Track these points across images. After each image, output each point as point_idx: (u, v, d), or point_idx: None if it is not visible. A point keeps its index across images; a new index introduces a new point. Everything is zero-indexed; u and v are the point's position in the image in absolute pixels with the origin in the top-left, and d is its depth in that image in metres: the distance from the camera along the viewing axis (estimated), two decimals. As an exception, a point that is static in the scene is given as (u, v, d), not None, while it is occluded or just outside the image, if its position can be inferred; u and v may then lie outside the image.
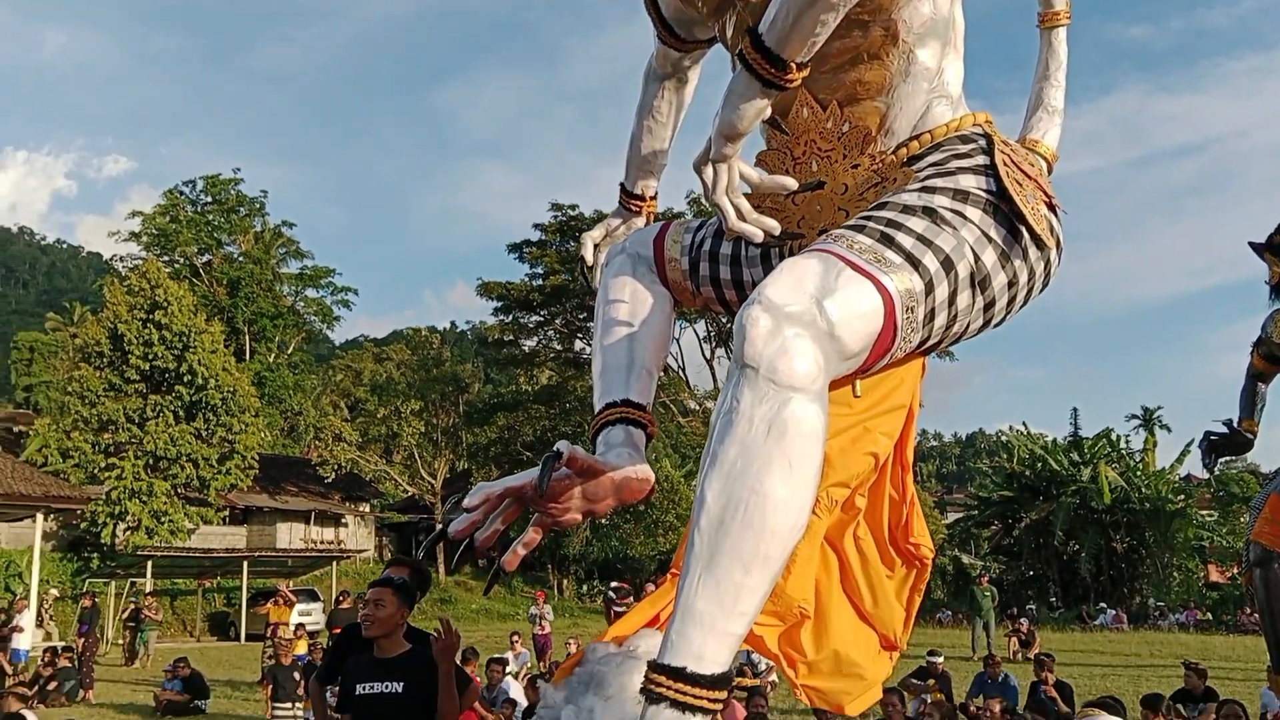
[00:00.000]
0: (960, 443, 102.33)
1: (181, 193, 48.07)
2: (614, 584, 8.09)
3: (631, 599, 7.80)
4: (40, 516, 22.26)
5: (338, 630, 5.42)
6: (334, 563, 32.61)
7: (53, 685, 13.93)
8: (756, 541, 2.14)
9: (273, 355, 48.08)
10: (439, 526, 2.95)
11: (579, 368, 39.48)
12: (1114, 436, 36.52)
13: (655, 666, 2.14)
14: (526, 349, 40.71)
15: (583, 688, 2.51)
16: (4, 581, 25.02)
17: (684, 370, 40.77)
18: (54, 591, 23.94)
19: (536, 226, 38.50)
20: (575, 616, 31.45)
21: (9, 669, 14.62)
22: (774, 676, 12.34)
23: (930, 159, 2.33)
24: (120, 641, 22.75)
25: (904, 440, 3.09)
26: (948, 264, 2.13)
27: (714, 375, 38.78)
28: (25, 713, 8.02)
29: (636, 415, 2.79)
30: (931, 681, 10.65)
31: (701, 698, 2.10)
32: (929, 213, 2.16)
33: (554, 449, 2.48)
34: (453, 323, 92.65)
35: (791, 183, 2.27)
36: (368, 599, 3.96)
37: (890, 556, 3.05)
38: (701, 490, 2.18)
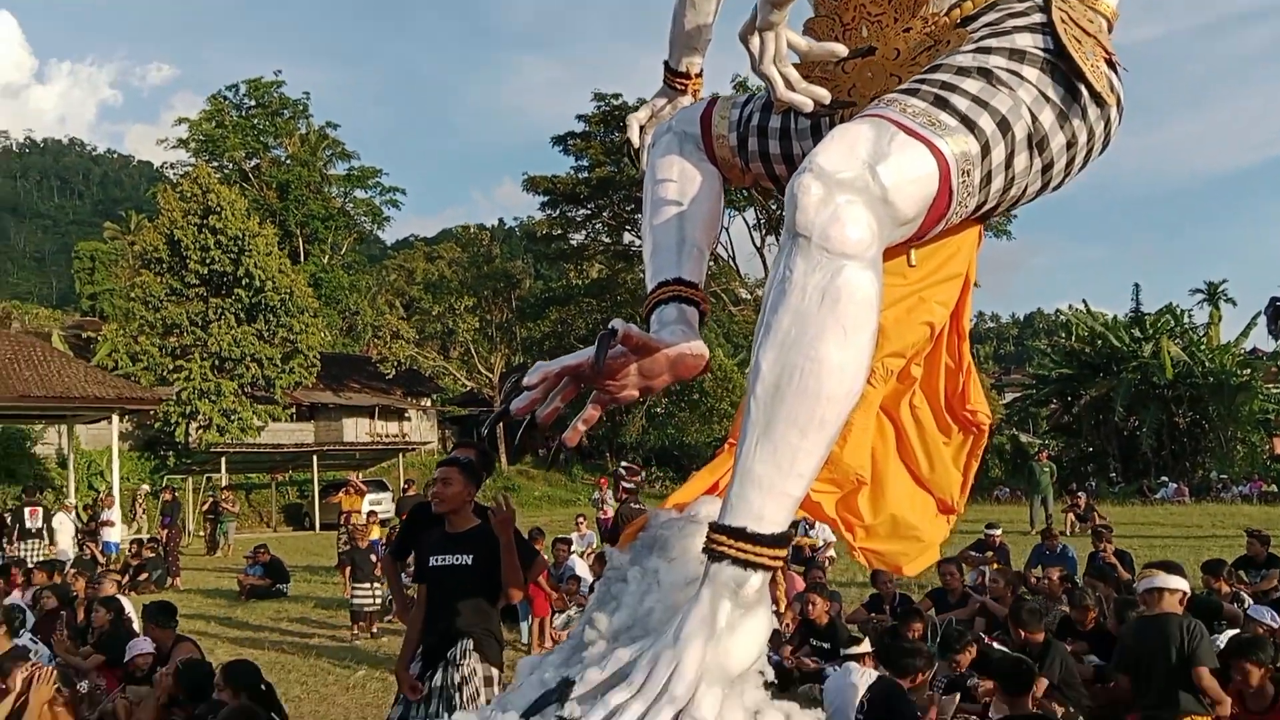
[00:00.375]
0: (1018, 323, 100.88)
1: (225, 98, 48.00)
2: (624, 463, 8.31)
3: (640, 476, 8.07)
4: (115, 418, 23.17)
5: (405, 516, 5.68)
6: (399, 455, 33.61)
7: (143, 575, 14.75)
8: (813, 407, 2.19)
9: (326, 257, 48.56)
10: (500, 405, 3.02)
11: (628, 260, 39.38)
12: (1177, 311, 35.73)
13: (716, 527, 2.22)
14: (575, 243, 40.65)
15: (647, 550, 2.62)
16: (88, 480, 26.23)
17: (734, 259, 40.51)
18: (145, 487, 25.06)
19: (580, 118, 37.98)
20: (634, 502, 32.14)
21: (102, 560, 15.47)
22: (831, 551, 12.61)
23: (985, 19, 2.26)
24: (201, 533, 23.89)
25: (960, 309, 3.09)
26: (1004, 125, 2.10)
27: (764, 263, 38.48)
28: (120, 597, 8.53)
29: (689, 293, 2.82)
30: (989, 554, 10.77)
31: (762, 555, 2.17)
32: (984, 73, 2.12)
33: (609, 326, 2.52)
34: (501, 219, 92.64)
35: (841, 49, 2.23)
36: (436, 477, 4.14)
37: (947, 424, 3.08)
38: (756, 359, 2.22)
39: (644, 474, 7.71)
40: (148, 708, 5.20)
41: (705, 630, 2.12)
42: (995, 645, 6.23)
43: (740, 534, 2.16)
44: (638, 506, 7.39)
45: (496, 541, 4.00)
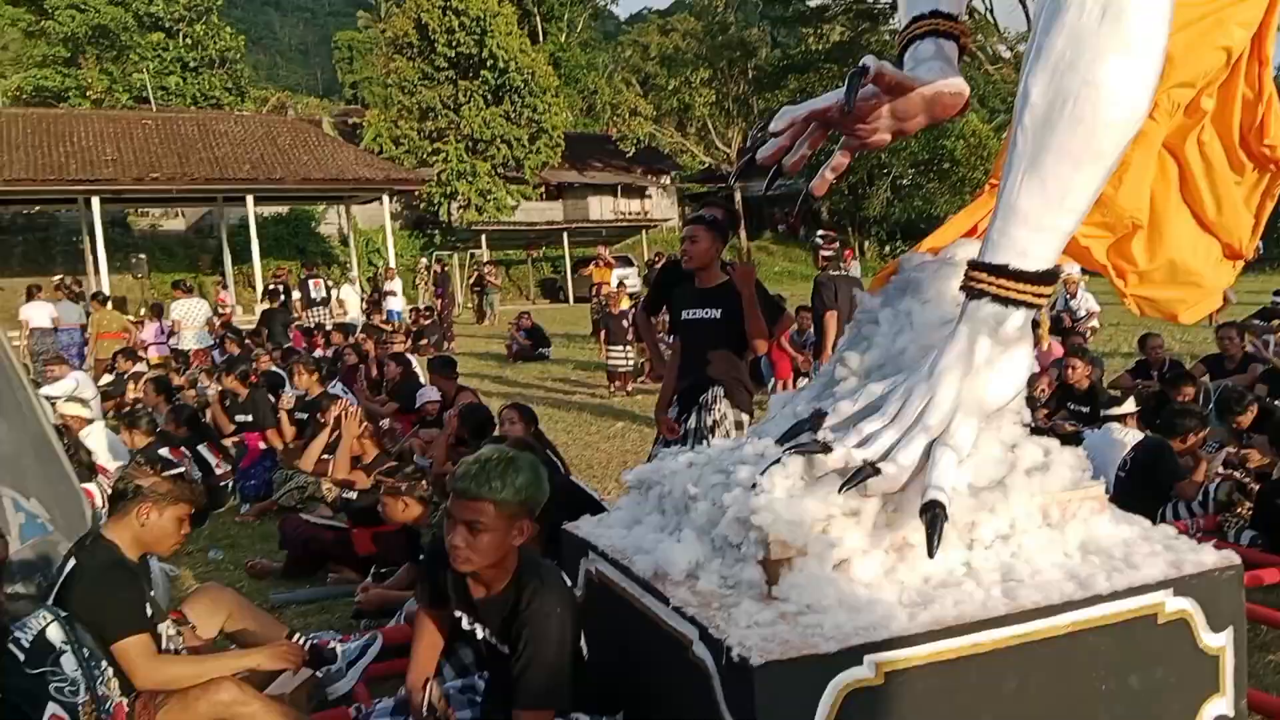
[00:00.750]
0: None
1: None
2: (820, 231, 8.01)
3: (837, 244, 7.83)
4: (386, 198, 25.04)
5: (657, 275, 5.88)
6: (642, 231, 34.52)
7: (423, 340, 16.30)
8: (1088, 135, 2.05)
9: (564, 35, 48.51)
10: (746, 154, 2.99)
11: (873, 19, 36.82)
12: None
13: (975, 264, 2.18)
14: (814, 4, 38.30)
15: (899, 293, 2.62)
16: (367, 257, 28.79)
17: (991, 11, 36.95)
18: (424, 261, 27.29)
19: None
20: (877, 276, 31.51)
21: (386, 326, 17.19)
22: (1094, 322, 12.01)
23: None
24: (469, 305, 25.96)
25: (1264, 31, 2.74)
26: None
27: (1026, 14, 34.78)
28: (408, 355, 9.52)
29: (947, 26, 2.64)
30: (1275, 322, 9.85)
31: (1025, 291, 2.12)
32: None
33: (860, 64, 2.40)
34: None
35: None
36: (684, 235, 4.27)
37: (1240, 161, 2.80)
38: (1025, 86, 2.08)
39: (838, 243, 7.63)
40: (438, 445, 5.89)
41: (962, 365, 2.13)
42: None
43: (1002, 270, 2.11)
44: (836, 273, 7.30)
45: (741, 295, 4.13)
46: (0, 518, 3.32)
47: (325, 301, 17.32)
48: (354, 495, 5.45)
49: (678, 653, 2.23)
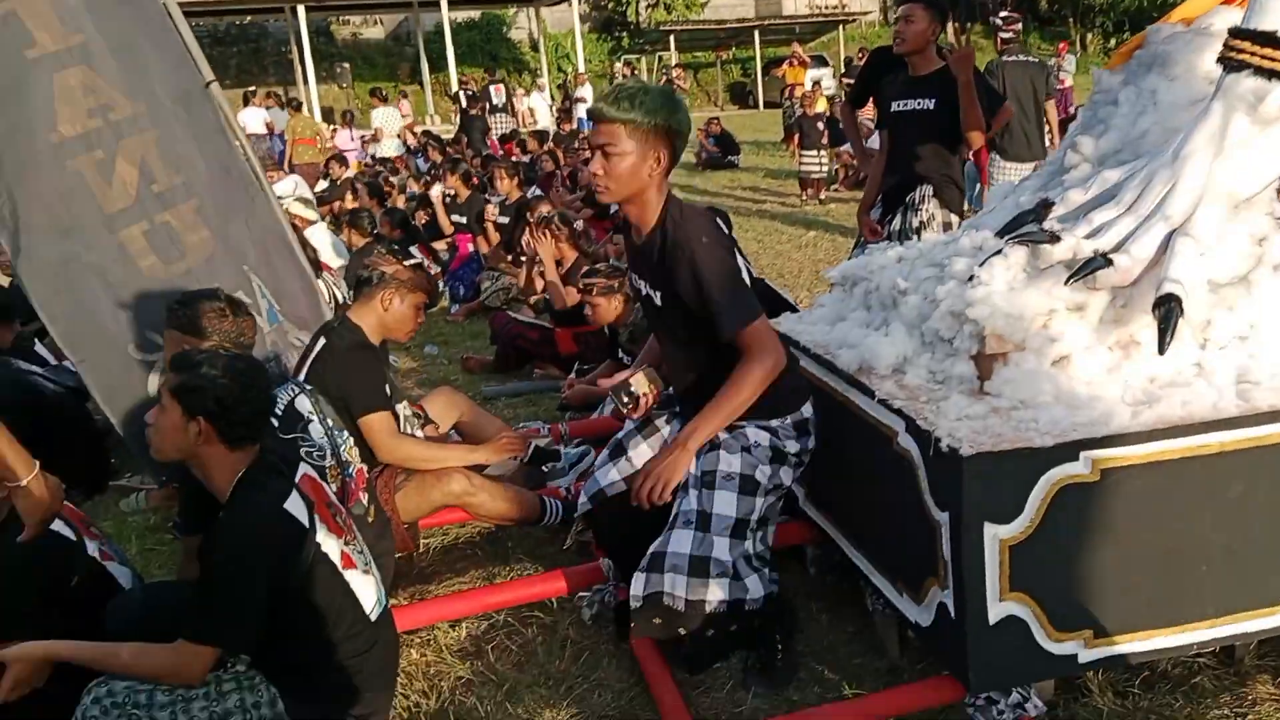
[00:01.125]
0: None
1: None
2: (1002, 13, 6.99)
3: (1018, 25, 6.97)
4: (574, -1, 24.61)
5: (864, 62, 5.44)
6: (840, 27, 32.57)
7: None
8: None
9: None
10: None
11: None
12: None
13: (1237, 33, 1.96)
14: None
15: (1144, 70, 2.38)
16: (556, 63, 28.64)
17: None
18: (618, 65, 26.94)
19: None
20: (1099, 72, 28.68)
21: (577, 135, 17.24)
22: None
23: None
24: (659, 109, 25.56)
25: None
26: None
27: None
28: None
29: None
30: None
31: (1296, 63, 1.89)
32: None
33: None
34: None
35: None
36: (899, 15, 3.96)
37: None
38: None
39: (1021, 23, 6.74)
40: (634, 246, 5.96)
41: (1213, 146, 1.96)
42: None
43: (1269, 38, 1.90)
44: (1012, 59, 6.60)
45: (957, 84, 3.84)
46: (252, 299, 3.65)
47: (507, 109, 17.41)
48: (556, 297, 5.63)
49: (882, 444, 2.24)
